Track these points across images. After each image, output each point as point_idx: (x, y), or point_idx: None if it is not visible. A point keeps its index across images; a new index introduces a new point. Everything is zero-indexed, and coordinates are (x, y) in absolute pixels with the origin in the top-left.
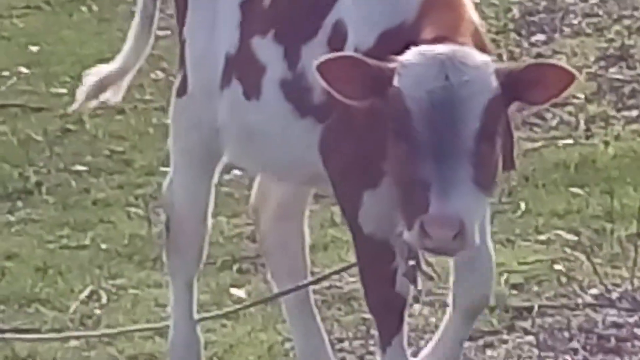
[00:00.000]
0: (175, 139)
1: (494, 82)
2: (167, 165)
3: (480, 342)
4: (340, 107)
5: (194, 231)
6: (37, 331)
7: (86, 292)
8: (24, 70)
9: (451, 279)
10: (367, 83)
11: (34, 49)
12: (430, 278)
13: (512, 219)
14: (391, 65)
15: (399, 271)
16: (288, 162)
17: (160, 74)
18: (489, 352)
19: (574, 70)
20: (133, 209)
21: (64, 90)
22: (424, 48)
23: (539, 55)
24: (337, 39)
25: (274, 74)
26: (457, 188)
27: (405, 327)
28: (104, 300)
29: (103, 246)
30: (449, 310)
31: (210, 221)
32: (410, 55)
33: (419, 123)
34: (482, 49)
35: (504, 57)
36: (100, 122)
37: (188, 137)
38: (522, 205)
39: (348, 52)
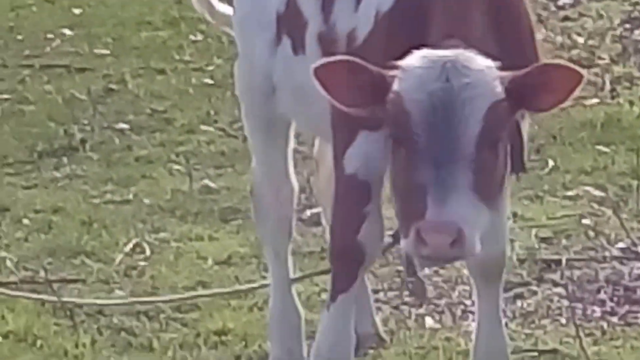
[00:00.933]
0: (240, 103)
1: (498, 87)
2: (207, 124)
3: (511, 293)
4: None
5: (272, 196)
6: (83, 282)
7: (130, 245)
8: (67, 32)
9: None
10: (366, 90)
11: (77, 11)
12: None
13: (540, 176)
14: (392, 72)
15: (407, 285)
16: (325, 124)
17: (200, 36)
18: (519, 302)
19: (580, 70)
20: (174, 166)
21: (107, 51)
22: (426, 52)
23: (565, 18)
24: None
25: (314, 28)
26: (456, 194)
27: (367, 291)
28: (147, 252)
29: (146, 201)
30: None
31: (294, 186)
32: (412, 59)
33: (418, 126)
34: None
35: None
36: (142, 82)
37: (244, 99)
38: (550, 163)
39: (346, 56)
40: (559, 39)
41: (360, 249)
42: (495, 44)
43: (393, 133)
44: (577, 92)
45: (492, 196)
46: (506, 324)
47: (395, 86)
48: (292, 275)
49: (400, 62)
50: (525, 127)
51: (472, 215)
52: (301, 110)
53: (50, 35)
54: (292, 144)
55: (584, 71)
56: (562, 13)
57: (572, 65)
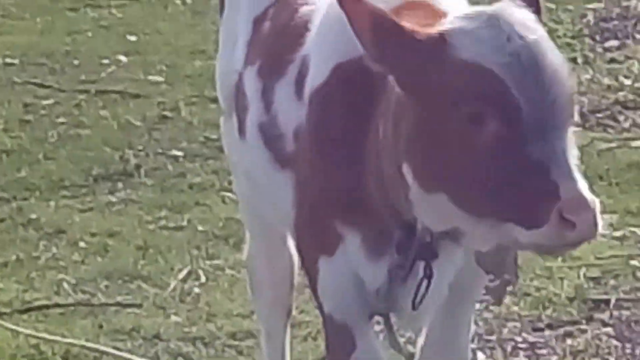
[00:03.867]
0: None
1: None
2: None
3: (561, 331)
4: (304, 156)
5: (266, 269)
6: (139, 306)
7: (185, 271)
8: (122, 58)
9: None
10: (399, 54)
11: (132, 38)
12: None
13: None
14: (435, 42)
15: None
16: (279, 218)
17: None
18: (569, 341)
19: None
20: (227, 194)
21: (161, 79)
22: (464, 12)
23: (612, 60)
24: (301, 76)
25: (254, 114)
26: (571, 163)
27: None
28: (202, 279)
29: (200, 228)
30: None
31: (293, 257)
32: (454, 22)
33: (514, 93)
34: None
35: (579, 60)
36: (196, 110)
37: (229, 157)
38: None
39: (377, 7)
40: (606, 80)
41: None
42: None
43: (470, 110)
44: None
45: None
46: None
47: (451, 55)
48: None
49: (439, 29)
50: None
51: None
52: (253, 198)
53: (105, 61)
54: None
55: None
56: (608, 55)
57: None
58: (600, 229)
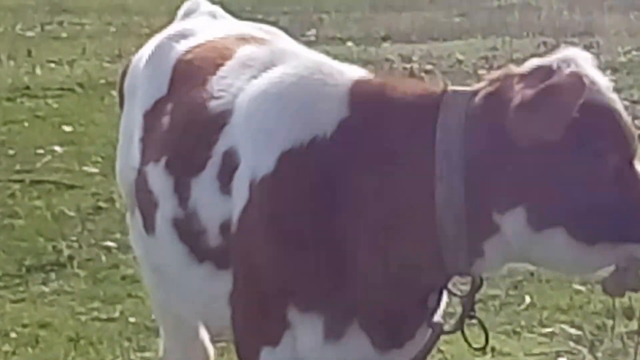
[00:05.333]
0: None
1: None
2: None
3: None
4: (240, 249)
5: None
6: None
7: None
8: (57, 149)
9: None
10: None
11: (67, 129)
12: None
13: (517, 311)
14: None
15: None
16: (195, 312)
17: None
18: None
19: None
20: None
21: (96, 170)
22: (553, 58)
23: None
24: (226, 170)
25: (166, 210)
26: None
27: None
28: None
29: (131, 320)
30: None
31: (209, 352)
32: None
33: (626, 129)
34: None
35: None
36: None
37: (135, 252)
38: (527, 299)
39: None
40: None
41: None
42: None
43: (597, 146)
44: None
45: None
46: None
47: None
48: None
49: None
50: None
51: None
52: (163, 294)
53: (40, 151)
54: None
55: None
56: None
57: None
58: None
